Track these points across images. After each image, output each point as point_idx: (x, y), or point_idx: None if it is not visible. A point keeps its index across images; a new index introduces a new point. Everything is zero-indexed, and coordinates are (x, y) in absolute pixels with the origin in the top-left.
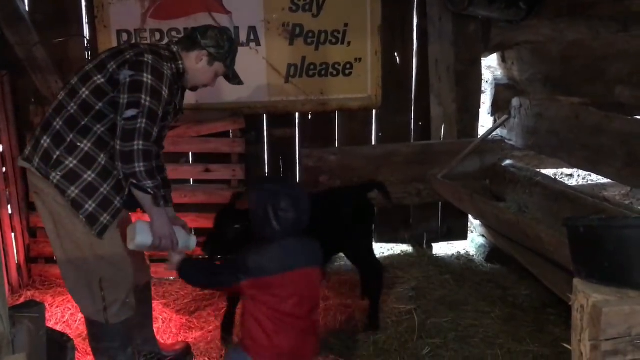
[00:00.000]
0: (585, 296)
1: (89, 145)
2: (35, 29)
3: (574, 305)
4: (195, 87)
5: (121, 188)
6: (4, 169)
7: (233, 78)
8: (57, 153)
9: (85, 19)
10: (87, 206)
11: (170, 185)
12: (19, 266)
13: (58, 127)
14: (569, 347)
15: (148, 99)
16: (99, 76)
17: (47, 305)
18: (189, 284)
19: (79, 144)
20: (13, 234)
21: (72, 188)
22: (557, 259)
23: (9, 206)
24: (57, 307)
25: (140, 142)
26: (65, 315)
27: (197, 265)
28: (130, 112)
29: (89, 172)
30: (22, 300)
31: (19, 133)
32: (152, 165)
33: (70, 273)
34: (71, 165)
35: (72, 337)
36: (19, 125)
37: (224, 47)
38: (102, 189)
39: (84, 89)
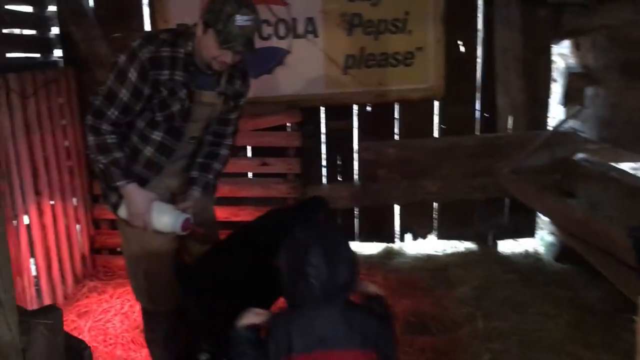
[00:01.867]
0: None
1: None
2: (99, 24)
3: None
4: (209, 66)
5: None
6: (69, 163)
7: (224, 43)
8: None
9: (146, 14)
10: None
11: (208, 170)
12: (83, 256)
13: None
14: None
15: (112, 79)
16: None
17: (107, 296)
18: None
19: None
20: (78, 226)
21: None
22: (629, 261)
23: (74, 199)
24: (117, 298)
25: (90, 118)
26: (124, 307)
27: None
28: (99, 90)
29: None
30: (84, 290)
31: (83, 127)
32: (103, 140)
33: (125, 260)
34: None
35: (129, 329)
36: (84, 120)
37: (215, 10)
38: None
39: None
